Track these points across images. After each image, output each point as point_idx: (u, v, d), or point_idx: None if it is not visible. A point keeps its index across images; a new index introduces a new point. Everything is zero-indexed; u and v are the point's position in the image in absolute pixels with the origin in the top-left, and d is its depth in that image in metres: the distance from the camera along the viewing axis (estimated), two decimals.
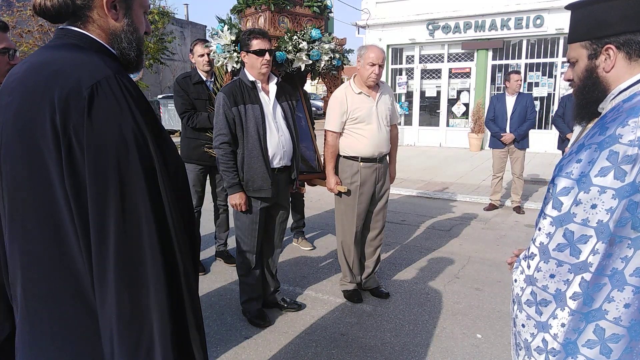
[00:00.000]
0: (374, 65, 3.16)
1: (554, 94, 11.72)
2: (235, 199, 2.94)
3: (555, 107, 11.64)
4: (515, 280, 1.20)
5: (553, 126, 11.39)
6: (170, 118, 15.81)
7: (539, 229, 1.11)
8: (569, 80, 1.30)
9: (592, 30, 1.16)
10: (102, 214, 0.99)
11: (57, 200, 1.03)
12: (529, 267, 1.14)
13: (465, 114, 12.94)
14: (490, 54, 12.36)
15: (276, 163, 3.00)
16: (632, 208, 0.99)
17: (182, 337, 1.10)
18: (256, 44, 2.86)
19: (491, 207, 6.42)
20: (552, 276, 1.08)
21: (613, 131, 1.01)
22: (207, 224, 4.77)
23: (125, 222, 0.99)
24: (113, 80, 1.03)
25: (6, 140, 1.06)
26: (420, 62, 13.41)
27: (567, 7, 1.24)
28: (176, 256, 1.07)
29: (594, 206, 1.01)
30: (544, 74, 11.85)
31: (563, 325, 1.08)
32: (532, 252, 1.14)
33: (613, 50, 1.13)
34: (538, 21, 11.39)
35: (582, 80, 1.22)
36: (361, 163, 3.31)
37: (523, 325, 1.18)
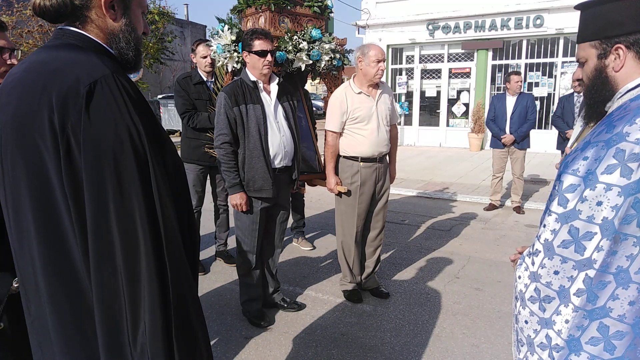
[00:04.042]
0: (379, 61, 3.17)
1: (554, 94, 11.72)
2: (236, 199, 2.94)
3: (554, 107, 11.65)
4: (519, 277, 1.20)
5: (553, 126, 11.43)
6: (170, 118, 15.81)
7: (544, 226, 1.12)
8: (578, 80, 1.30)
9: (602, 30, 1.16)
10: (98, 213, 0.99)
11: (56, 201, 1.03)
12: (533, 263, 1.15)
13: (465, 114, 12.94)
14: (490, 54, 12.36)
15: (277, 163, 3.00)
16: (637, 206, 1.00)
17: (186, 340, 1.10)
18: (258, 45, 2.85)
19: (491, 207, 6.41)
20: (556, 272, 1.09)
21: (620, 129, 1.02)
22: (207, 224, 4.77)
23: (121, 221, 0.99)
24: (111, 79, 1.03)
25: (5, 141, 1.07)
26: (420, 62, 13.41)
27: (577, 7, 1.24)
28: (170, 257, 1.06)
29: (599, 203, 1.02)
30: (544, 74, 11.85)
31: (567, 321, 1.09)
32: (536, 249, 1.14)
33: (623, 50, 1.14)
34: (538, 21, 11.39)
35: (591, 80, 1.22)
36: (361, 163, 3.31)
37: (526, 322, 1.18)
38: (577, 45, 1.25)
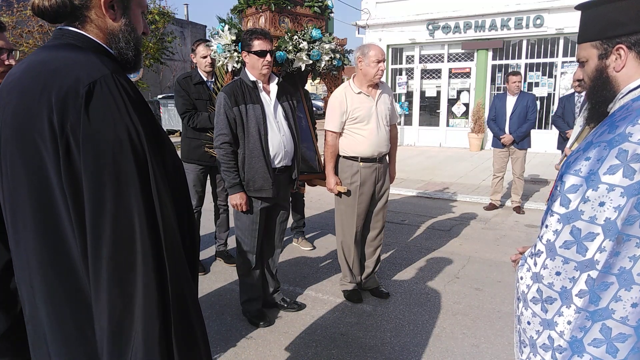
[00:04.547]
0: (379, 62, 3.17)
1: (554, 94, 11.72)
2: (236, 199, 2.94)
3: (554, 107, 11.64)
4: (521, 278, 1.20)
5: (553, 126, 11.41)
6: (170, 118, 15.81)
7: (546, 226, 1.11)
8: (579, 80, 1.30)
9: (603, 30, 1.16)
10: (96, 213, 0.99)
11: (55, 201, 1.03)
12: (535, 264, 1.14)
13: (465, 114, 12.94)
14: (490, 54, 12.36)
15: (277, 163, 3.00)
16: None
17: (186, 342, 1.10)
18: (257, 45, 2.85)
19: (491, 207, 6.41)
20: (557, 273, 1.08)
21: (623, 129, 1.02)
22: (207, 224, 4.77)
23: (119, 221, 0.99)
24: (110, 79, 1.03)
25: (4, 141, 1.06)
26: (420, 62, 13.41)
27: (577, 8, 1.24)
28: (169, 258, 1.06)
29: (602, 204, 1.01)
30: (544, 74, 11.84)
31: (569, 322, 1.08)
32: (538, 250, 1.14)
33: (624, 50, 1.13)
34: (538, 21, 11.39)
35: (592, 80, 1.22)
36: (361, 163, 3.31)
37: (528, 323, 1.18)
38: (577, 45, 1.25)
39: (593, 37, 1.18)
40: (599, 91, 1.20)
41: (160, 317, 1.03)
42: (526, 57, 11.99)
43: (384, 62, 3.21)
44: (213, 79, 3.97)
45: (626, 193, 0.99)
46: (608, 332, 1.05)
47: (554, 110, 6.58)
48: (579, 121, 3.46)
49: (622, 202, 1.00)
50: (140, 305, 1.02)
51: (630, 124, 1.02)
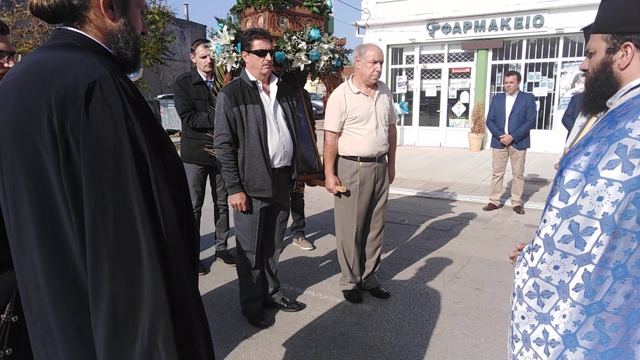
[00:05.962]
0: (375, 62, 3.16)
1: (554, 94, 11.72)
2: (236, 199, 2.94)
3: (554, 107, 11.64)
4: (518, 273, 1.20)
5: (553, 126, 11.40)
6: (170, 118, 15.81)
7: (544, 221, 1.12)
8: (583, 70, 1.30)
9: (615, 25, 1.15)
10: (97, 213, 0.98)
11: (55, 201, 1.03)
12: (532, 259, 1.15)
13: (465, 114, 12.94)
14: (490, 54, 12.36)
15: (277, 163, 3.00)
16: (638, 201, 1.00)
17: (185, 338, 1.10)
18: (257, 44, 2.86)
19: (491, 207, 6.41)
20: (556, 267, 1.09)
21: (623, 125, 1.02)
22: (207, 224, 4.77)
23: (120, 220, 0.99)
24: (110, 79, 1.02)
25: (4, 141, 1.06)
26: (420, 62, 13.41)
27: None
28: (172, 256, 1.06)
29: (600, 198, 1.02)
30: (544, 74, 11.84)
31: (564, 316, 1.09)
32: (536, 244, 1.14)
33: (631, 48, 1.13)
34: (538, 21, 11.39)
35: (595, 73, 1.22)
36: (360, 163, 3.31)
37: (522, 317, 1.19)
38: (590, 35, 1.24)
39: (605, 29, 1.18)
40: (601, 85, 1.20)
41: (172, 315, 1.03)
42: (526, 57, 11.98)
43: (381, 63, 3.20)
44: (212, 79, 3.97)
45: (624, 188, 1.00)
46: (602, 324, 1.07)
47: (564, 109, 6.50)
48: (579, 121, 3.46)
49: (620, 197, 1.00)
50: (149, 303, 1.01)
51: (630, 119, 1.03)
